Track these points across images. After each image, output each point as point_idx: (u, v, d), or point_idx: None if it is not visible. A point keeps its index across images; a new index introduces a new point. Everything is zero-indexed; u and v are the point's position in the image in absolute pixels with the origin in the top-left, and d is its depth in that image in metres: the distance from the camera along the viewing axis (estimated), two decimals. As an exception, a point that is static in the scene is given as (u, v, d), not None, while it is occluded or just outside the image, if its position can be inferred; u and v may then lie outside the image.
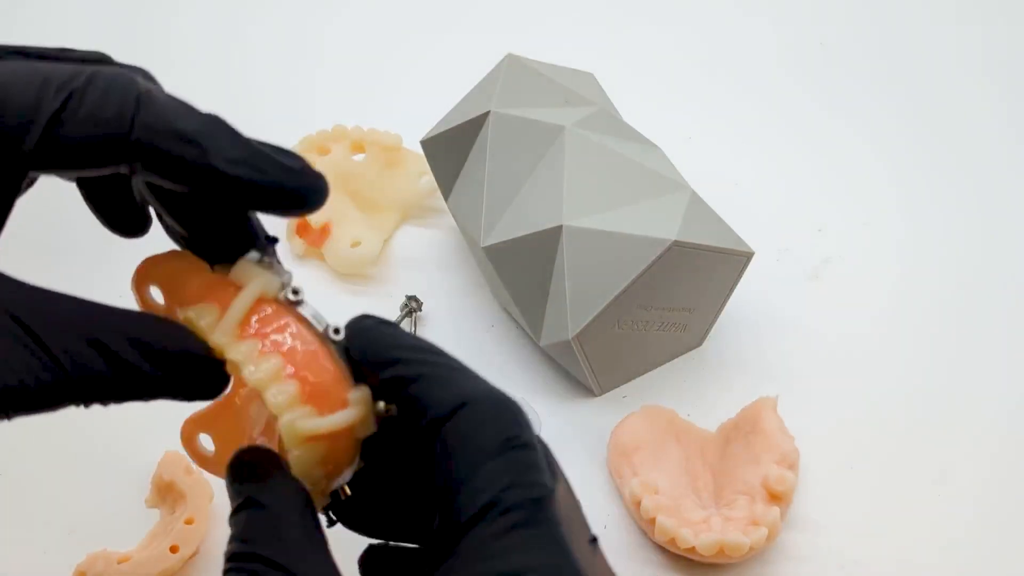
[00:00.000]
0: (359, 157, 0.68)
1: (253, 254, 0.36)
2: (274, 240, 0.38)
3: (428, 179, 0.66)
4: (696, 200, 0.56)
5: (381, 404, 0.36)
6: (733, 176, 0.71)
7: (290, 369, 0.35)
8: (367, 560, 0.39)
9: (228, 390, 0.36)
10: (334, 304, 0.62)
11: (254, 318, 0.35)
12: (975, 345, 0.63)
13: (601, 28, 0.82)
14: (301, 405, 0.34)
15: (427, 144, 0.63)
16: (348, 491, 0.38)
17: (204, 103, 0.76)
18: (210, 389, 0.35)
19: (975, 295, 0.65)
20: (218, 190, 0.34)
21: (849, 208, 0.70)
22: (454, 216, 0.62)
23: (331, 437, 0.35)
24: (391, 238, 0.67)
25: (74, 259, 0.64)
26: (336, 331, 0.36)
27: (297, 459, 0.35)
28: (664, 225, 0.54)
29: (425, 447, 0.34)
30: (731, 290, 0.59)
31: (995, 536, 0.55)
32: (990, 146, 0.74)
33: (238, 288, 0.36)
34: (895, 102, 0.77)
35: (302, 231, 0.64)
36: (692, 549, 0.51)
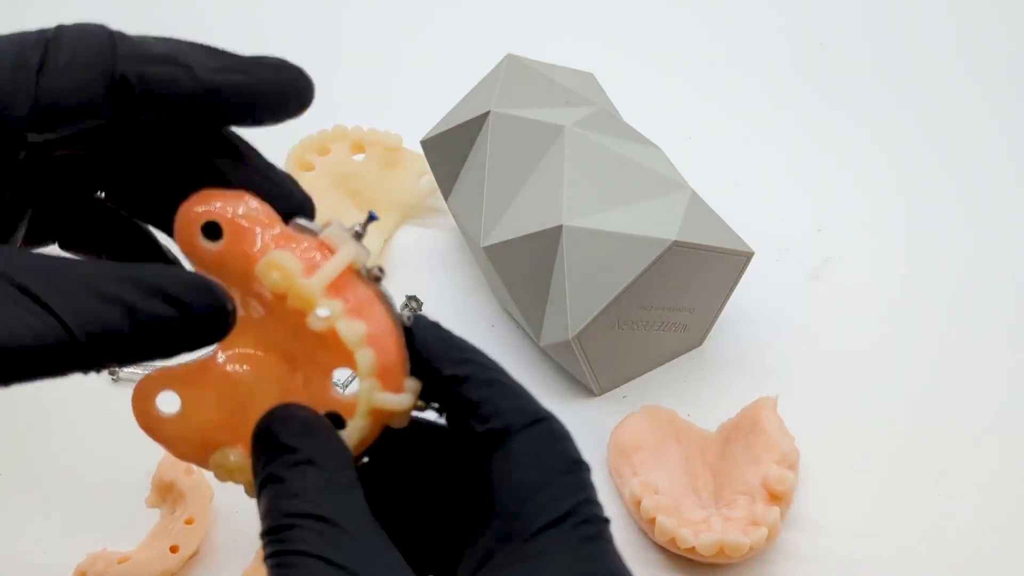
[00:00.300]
0: (359, 157, 0.68)
1: (341, 222, 0.36)
2: (373, 217, 0.38)
3: (428, 179, 0.66)
4: (696, 200, 0.56)
5: (420, 401, 0.36)
6: (733, 176, 0.71)
7: (370, 338, 0.34)
8: None
9: (208, 351, 0.35)
10: (334, 304, 0.63)
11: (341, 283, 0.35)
12: (975, 345, 0.63)
13: (601, 28, 0.82)
14: (374, 377, 0.34)
15: (427, 144, 0.63)
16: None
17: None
18: (217, 337, 0.33)
19: (975, 295, 0.65)
20: (211, 108, 0.34)
21: (849, 208, 0.70)
22: (454, 216, 0.62)
23: (382, 416, 0.35)
24: (391, 238, 0.67)
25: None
26: (409, 317, 0.36)
27: (356, 429, 0.34)
28: (664, 225, 0.54)
29: (474, 454, 0.34)
30: (731, 290, 0.59)
31: (995, 536, 0.54)
32: (991, 146, 0.74)
33: (327, 249, 0.36)
34: (895, 101, 0.77)
35: (302, 231, 0.64)
36: (692, 549, 0.51)
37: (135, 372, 0.58)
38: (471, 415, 0.34)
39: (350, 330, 0.34)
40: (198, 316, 0.32)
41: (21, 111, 0.32)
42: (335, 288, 0.35)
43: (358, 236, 0.36)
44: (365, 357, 0.34)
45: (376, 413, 0.34)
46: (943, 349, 0.62)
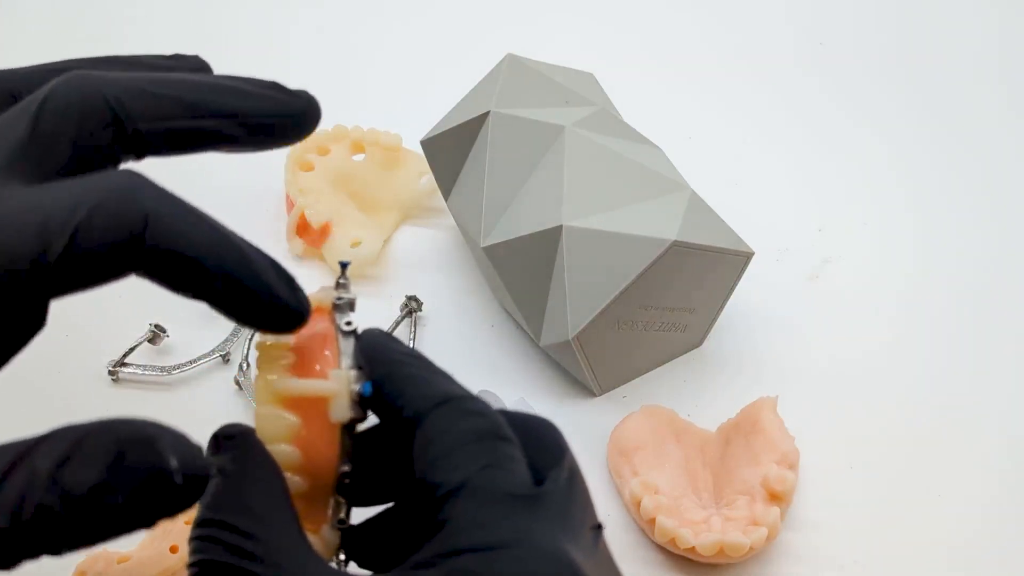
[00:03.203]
0: (359, 157, 0.68)
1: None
2: (344, 265, 0.40)
3: (428, 179, 0.66)
4: (696, 200, 0.56)
5: (356, 387, 0.36)
6: (733, 176, 0.71)
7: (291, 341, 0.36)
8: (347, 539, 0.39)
9: None
10: (334, 304, 0.63)
11: (304, 405, 0.37)
12: (975, 345, 0.63)
13: (601, 28, 0.82)
14: (284, 370, 0.36)
15: (427, 144, 0.63)
16: (348, 519, 0.37)
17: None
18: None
19: (975, 295, 0.65)
20: (209, 300, 0.34)
21: (849, 208, 0.70)
22: (454, 216, 0.62)
23: (303, 405, 0.36)
24: (391, 238, 0.67)
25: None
26: (348, 323, 0.38)
27: (264, 417, 0.35)
28: (664, 225, 0.54)
29: (405, 448, 0.35)
30: (731, 290, 0.59)
31: (995, 536, 0.55)
32: (990, 146, 0.74)
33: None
34: (895, 102, 0.77)
35: (302, 231, 0.64)
36: (692, 549, 0.51)
37: (135, 372, 0.58)
38: (392, 411, 0.35)
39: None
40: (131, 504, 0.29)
41: (38, 286, 0.32)
42: (294, 404, 0.36)
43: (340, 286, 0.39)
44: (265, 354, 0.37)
45: (287, 402, 0.36)
46: (943, 349, 0.63)
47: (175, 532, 0.51)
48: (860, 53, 0.80)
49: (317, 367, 0.36)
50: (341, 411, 0.36)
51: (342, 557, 0.37)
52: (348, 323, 0.38)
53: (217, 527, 0.32)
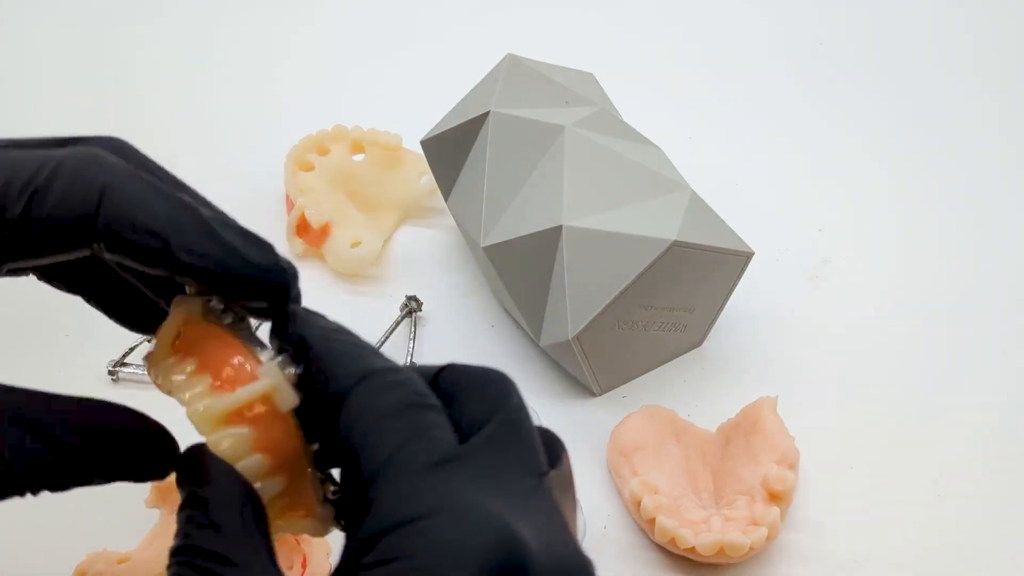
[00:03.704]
0: (359, 157, 0.68)
1: (281, 359, 0.36)
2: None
3: (428, 179, 0.66)
4: (696, 200, 0.56)
5: (292, 369, 0.35)
6: (733, 176, 0.71)
7: (193, 365, 0.35)
8: None
9: None
10: (334, 304, 0.62)
11: (247, 412, 0.35)
12: (974, 344, 0.63)
13: (601, 28, 0.82)
14: (209, 394, 0.35)
15: (427, 144, 0.63)
16: (337, 487, 0.37)
17: (204, 103, 0.77)
18: (154, 467, 0.36)
19: (974, 294, 0.65)
20: (176, 272, 0.35)
21: (849, 208, 0.70)
22: (454, 216, 0.62)
23: (247, 414, 0.35)
24: (391, 238, 0.67)
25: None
26: (239, 319, 0.36)
27: (217, 444, 0.34)
28: (664, 225, 0.54)
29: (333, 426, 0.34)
30: (731, 290, 0.59)
31: (994, 535, 0.55)
32: (991, 146, 0.74)
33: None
34: (895, 102, 0.77)
35: (302, 231, 0.64)
36: (692, 549, 0.51)
37: (135, 372, 0.58)
38: (317, 388, 0.34)
39: (164, 386, 0.35)
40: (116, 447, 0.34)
41: None
42: (173, 349, 0.36)
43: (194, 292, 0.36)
44: (183, 389, 0.35)
45: (233, 419, 0.35)
46: (942, 349, 0.63)
47: (175, 532, 0.51)
48: (860, 53, 0.80)
49: (233, 372, 0.35)
50: (287, 399, 0.35)
51: (343, 524, 0.36)
52: (239, 319, 0.36)
53: (193, 553, 0.32)
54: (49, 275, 0.39)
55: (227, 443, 0.34)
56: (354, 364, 0.34)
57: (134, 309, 0.40)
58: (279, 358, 0.35)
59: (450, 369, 0.35)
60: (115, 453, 0.35)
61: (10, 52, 0.77)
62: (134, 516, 0.54)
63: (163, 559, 0.50)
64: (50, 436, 0.34)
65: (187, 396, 0.35)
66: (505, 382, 0.35)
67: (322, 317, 0.36)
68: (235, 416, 0.34)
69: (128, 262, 0.34)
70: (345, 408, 0.33)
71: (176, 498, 0.53)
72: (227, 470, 0.34)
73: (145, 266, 0.34)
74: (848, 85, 0.78)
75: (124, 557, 0.51)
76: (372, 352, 0.35)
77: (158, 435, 0.36)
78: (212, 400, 0.34)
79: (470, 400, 0.34)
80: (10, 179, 0.33)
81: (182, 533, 0.33)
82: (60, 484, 0.35)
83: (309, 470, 0.36)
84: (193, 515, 0.33)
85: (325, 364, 0.34)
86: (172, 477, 0.53)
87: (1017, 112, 0.76)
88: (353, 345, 0.35)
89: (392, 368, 0.34)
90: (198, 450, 0.35)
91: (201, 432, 0.34)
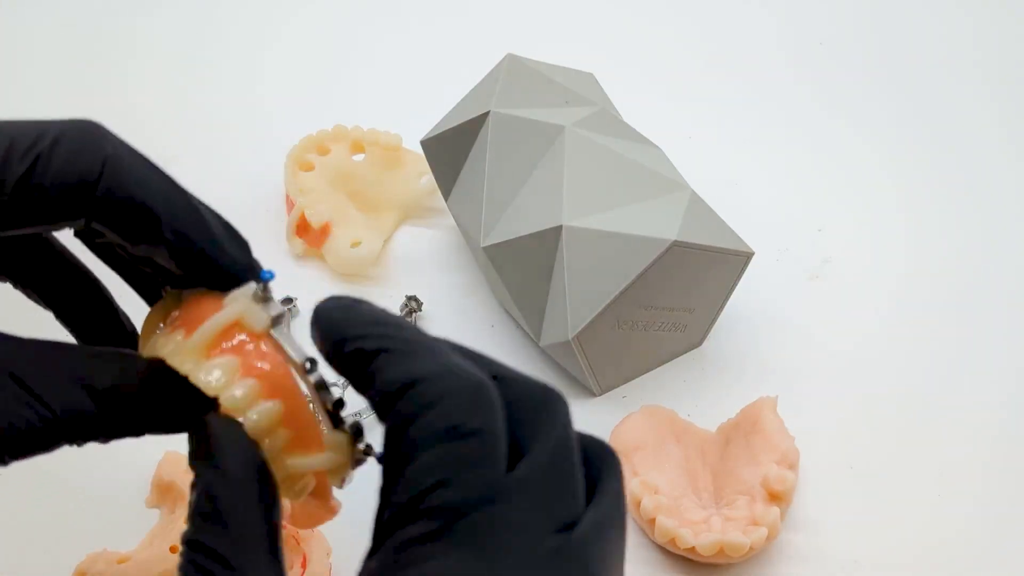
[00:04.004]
0: (359, 157, 0.68)
1: (252, 285, 0.36)
2: (268, 278, 0.36)
3: (428, 179, 0.66)
4: (696, 200, 0.56)
5: (255, 287, 0.35)
6: (733, 176, 0.71)
7: (248, 373, 0.34)
8: None
9: None
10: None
11: (226, 343, 0.35)
12: (975, 344, 0.63)
13: (601, 28, 0.82)
14: (278, 433, 0.34)
15: (427, 144, 0.63)
16: (342, 404, 0.36)
17: (204, 103, 0.77)
18: (187, 420, 0.35)
19: (975, 294, 0.65)
20: (159, 251, 0.35)
21: (849, 208, 0.70)
22: (454, 216, 0.62)
23: (227, 344, 0.35)
24: (391, 238, 0.67)
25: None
26: (311, 361, 0.35)
27: (209, 376, 0.34)
28: (664, 225, 0.54)
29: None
30: (731, 290, 0.59)
31: (994, 535, 0.55)
32: (990, 146, 0.74)
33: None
34: (895, 102, 0.77)
35: (302, 231, 0.64)
36: (692, 549, 0.51)
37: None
38: (369, 387, 0.32)
39: (228, 399, 0.34)
40: (170, 409, 0.35)
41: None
42: (215, 349, 0.35)
43: (260, 298, 0.35)
44: (252, 419, 0.34)
45: (297, 476, 0.35)
46: (943, 349, 0.62)
47: (175, 532, 0.51)
48: (860, 53, 0.80)
49: (205, 315, 0.35)
50: (259, 319, 0.35)
51: (365, 444, 0.35)
52: (312, 360, 0.35)
53: (199, 550, 0.32)
54: (25, 282, 0.39)
55: (216, 373, 0.34)
56: (402, 365, 0.31)
57: (101, 325, 0.40)
58: (244, 287, 0.35)
59: (504, 383, 0.32)
60: (154, 400, 0.35)
61: (7, 52, 0.77)
62: (134, 516, 0.54)
63: (163, 559, 0.50)
64: (96, 390, 0.34)
65: (169, 348, 0.35)
66: (552, 409, 0.32)
67: (378, 309, 0.33)
68: (216, 348, 0.34)
69: (113, 235, 0.35)
70: (390, 424, 0.31)
71: (175, 498, 0.53)
72: (236, 442, 0.33)
73: (130, 242, 0.35)
74: (848, 85, 0.78)
75: (124, 557, 0.51)
76: (430, 349, 0.32)
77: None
78: (190, 339, 0.34)
79: (519, 416, 0.31)
80: (13, 143, 0.33)
81: (192, 519, 0.32)
82: (103, 433, 0.34)
83: (306, 392, 0.35)
84: (202, 500, 0.32)
85: (376, 367, 0.32)
86: (169, 477, 0.53)
87: (1018, 111, 0.76)
88: (409, 341, 0.32)
89: (446, 374, 0.31)
90: (207, 422, 0.34)
91: (192, 375, 0.34)
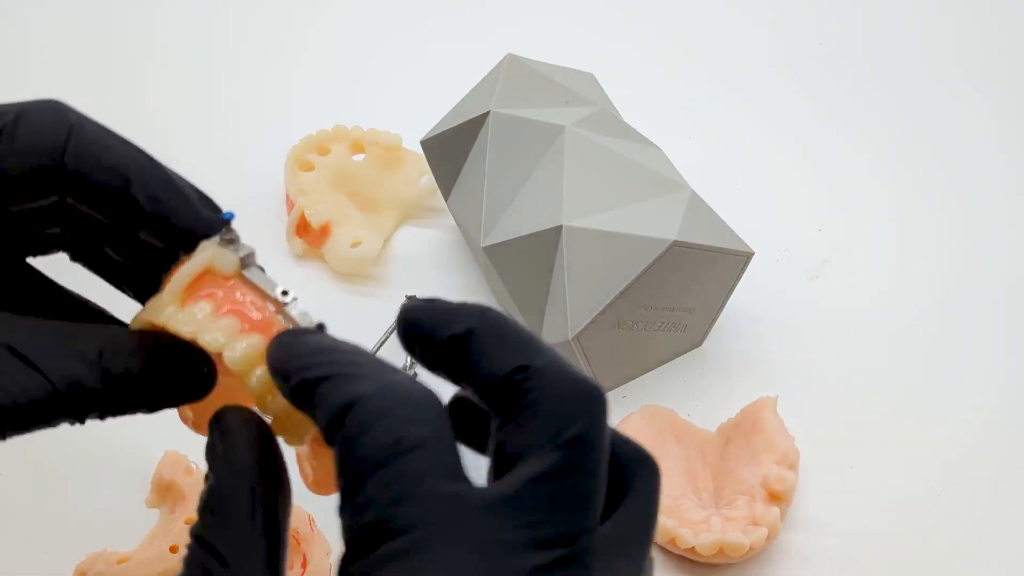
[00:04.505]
0: (359, 157, 0.68)
1: (215, 238, 0.36)
2: (228, 217, 0.36)
3: (428, 179, 0.66)
4: (696, 200, 0.56)
5: (220, 236, 0.35)
6: (733, 176, 0.71)
7: (227, 312, 0.34)
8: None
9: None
10: (334, 304, 0.63)
11: (201, 292, 0.35)
12: (975, 344, 0.63)
13: (601, 28, 0.82)
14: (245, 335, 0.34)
15: (427, 144, 0.63)
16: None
17: (204, 103, 0.76)
18: (196, 388, 0.35)
19: (975, 294, 0.65)
20: (133, 220, 0.35)
21: (849, 208, 0.70)
22: (454, 216, 0.62)
23: (202, 292, 0.34)
24: (391, 238, 0.67)
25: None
26: (284, 293, 0.35)
27: (189, 323, 0.34)
28: (664, 225, 0.54)
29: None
30: (731, 290, 0.59)
31: (994, 535, 0.55)
32: (990, 146, 0.74)
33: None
34: (896, 102, 0.77)
35: (302, 231, 0.64)
36: (692, 549, 0.51)
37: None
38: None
39: (207, 341, 0.34)
40: (168, 374, 0.34)
41: None
42: (193, 297, 0.35)
43: (226, 243, 0.35)
44: (234, 357, 0.34)
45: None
46: (943, 349, 0.62)
47: (175, 532, 0.51)
48: (860, 53, 0.80)
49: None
50: (228, 261, 0.35)
51: None
52: (285, 292, 0.35)
53: (203, 546, 0.31)
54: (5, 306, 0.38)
55: (192, 317, 0.34)
56: (342, 390, 0.30)
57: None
58: (211, 239, 0.35)
59: (532, 373, 0.30)
60: (166, 373, 0.34)
61: (10, 49, 0.77)
62: (134, 516, 0.54)
63: (163, 559, 0.50)
64: (97, 364, 0.33)
65: (148, 308, 0.35)
66: (585, 404, 0.30)
67: (327, 338, 0.33)
68: (190, 297, 0.34)
69: (87, 208, 0.35)
70: (336, 451, 0.30)
71: (175, 498, 0.53)
72: (248, 437, 0.33)
73: (104, 214, 0.35)
74: (848, 85, 0.78)
75: (124, 557, 0.51)
76: (373, 370, 0.31)
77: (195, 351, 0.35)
78: (163, 293, 0.34)
79: (539, 416, 0.30)
80: None
81: (199, 513, 0.32)
82: (106, 408, 0.34)
83: (285, 323, 0.35)
84: (209, 495, 0.32)
85: (318, 394, 0.31)
86: (169, 477, 0.53)
87: (1016, 112, 0.76)
88: (352, 365, 0.31)
89: (383, 391, 0.30)
90: (223, 414, 0.34)
91: (168, 323, 0.34)
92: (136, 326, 0.36)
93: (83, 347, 0.33)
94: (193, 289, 0.35)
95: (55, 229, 0.37)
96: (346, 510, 0.29)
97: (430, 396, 0.30)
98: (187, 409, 0.38)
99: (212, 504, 0.32)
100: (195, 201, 0.36)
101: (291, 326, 0.34)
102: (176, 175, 0.36)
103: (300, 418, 0.33)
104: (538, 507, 0.28)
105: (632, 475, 0.31)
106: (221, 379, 0.36)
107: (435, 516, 0.28)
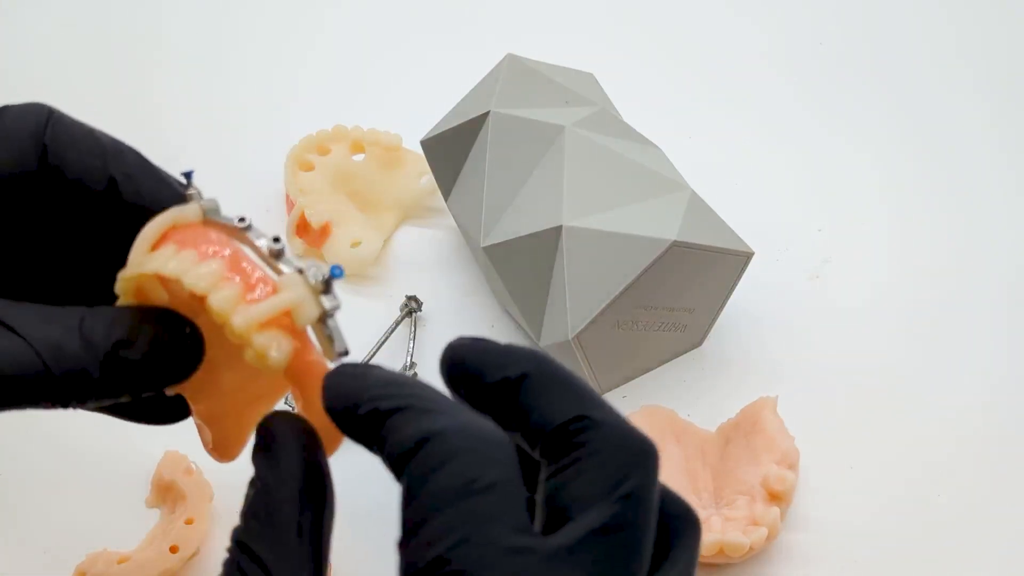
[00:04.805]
0: (359, 157, 0.68)
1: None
2: (188, 174, 0.36)
3: (428, 179, 0.66)
4: (696, 200, 0.56)
5: (313, 280, 0.34)
6: (733, 176, 0.71)
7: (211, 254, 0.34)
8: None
9: None
10: (334, 304, 0.63)
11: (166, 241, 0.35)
12: (975, 344, 0.63)
13: (601, 28, 0.82)
14: (224, 280, 0.34)
15: (427, 144, 0.63)
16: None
17: (204, 103, 0.77)
18: (182, 357, 0.34)
19: (975, 294, 0.65)
20: (109, 205, 0.35)
21: (849, 208, 0.70)
22: (454, 216, 0.62)
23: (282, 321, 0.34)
24: (391, 238, 0.67)
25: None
26: (241, 219, 0.35)
27: (265, 347, 0.33)
28: (664, 225, 0.54)
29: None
30: (731, 290, 0.59)
31: (994, 535, 0.55)
32: (991, 146, 0.74)
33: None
34: (896, 102, 0.77)
35: (302, 231, 0.64)
36: (692, 549, 0.51)
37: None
38: (383, 447, 0.31)
39: (169, 270, 0.34)
40: (156, 342, 0.33)
41: None
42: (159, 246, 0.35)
43: (191, 196, 0.36)
44: (194, 282, 0.33)
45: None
46: (943, 349, 0.62)
47: (175, 532, 0.51)
48: (860, 53, 0.80)
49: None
50: (190, 211, 0.35)
51: (319, 279, 0.34)
52: (242, 218, 0.36)
53: (244, 551, 0.31)
54: None
55: (155, 258, 0.34)
56: (416, 423, 0.30)
57: None
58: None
59: (590, 424, 0.31)
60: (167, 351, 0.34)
61: (10, 49, 0.77)
62: (134, 516, 0.54)
63: (163, 559, 0.50)
64: (92, 342, 0.33)
65: (137, 262, 0.34)
66: (641, 459, 0.30)
67: (389, 372, 0.33)
68: (156, 247, 0.34)
69: (69, 200, 0.35)
70: (404, 483, 0.30)
71: (175, 498, 0.53)
72: (296, 444, 0.32)
73: (83, 199, 0.35)
74: (848, 85, 0.78)
75: (124, 557, 0.51)
76: (445, 407, 0.31)
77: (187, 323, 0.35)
78: (131, 252, 0.34)
79: (597, 468, 0.30)
80: None
81: (243, 517, 0.32)
82: (92, 386, 0.33)
83: (252, 255, 0.35)
84: (256, 500, 0.32)
85: (389, 427, 0.31)
86: (169, 477, 0.53)
87: (1016, 112, 0.76)
88: (425, 399, 0.31)
89: (462, 430, 0.30)
90: (271, 420, 0.33)
91: (133, 269, 0.34)
92: (120, 287, 0.35)
93: (66, 317, 0.33)
94: (158, 242, 0.35)
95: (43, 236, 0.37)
96: (408, 545, 0.29)
97: (504, 439, 0.30)
98: (205, 430, 0.38)
99: (258, 510, 0.31)
100: (172, 182, 0.36)
101: (259, 247, 0.35)
102: (153, 163, 0.37)
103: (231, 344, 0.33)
104: (597, 560, 0.28)
105: (676, 531, 0.31)
106: (221, 378, 0.36)
107: (497, 562, 0.28)
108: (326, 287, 0.34)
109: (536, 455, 0.31)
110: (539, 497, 0.31)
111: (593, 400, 0.31)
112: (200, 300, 0.33)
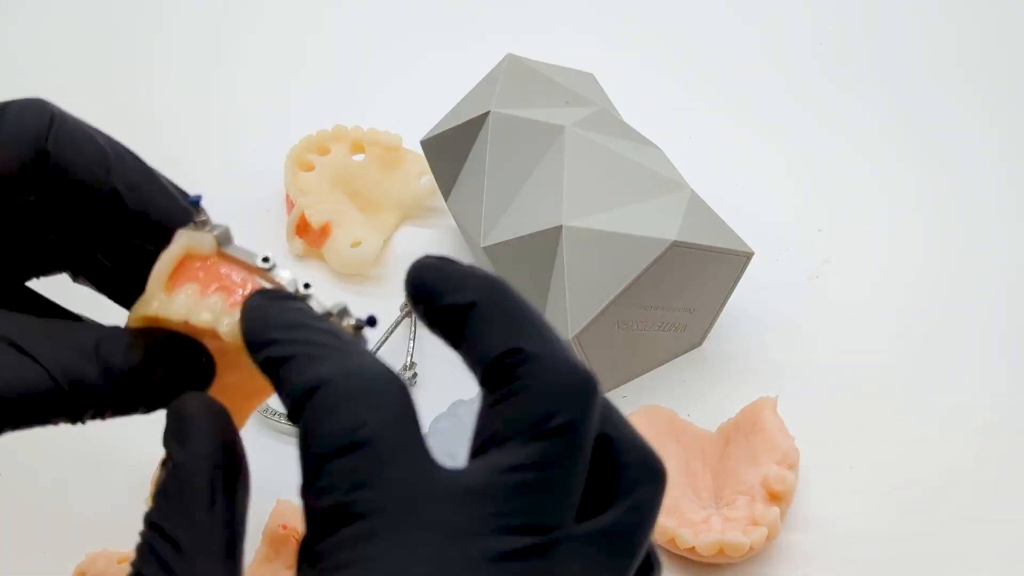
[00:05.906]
0: (359, 157, 0.68)
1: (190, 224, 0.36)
2: (196, 200, 0.36)
3: (428, 179, 0.66)
4: (696, 200, 0.56)
5: (346, 322, 0.34)
6: (733, 176, 0.71)
7: (214, 291, 0.34)
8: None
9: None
10: (334, 304, 0.63)
11: (184, 277, 0.35)
12: (975, 344, 0.63)
13: (601, 28, 0.82)
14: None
15: (427, 144, 0.63)
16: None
17: (204, 103, 0.77)
18: (194, 379, 0.35)
19: (975, 294, 0.65)
20: (111, 211, 0.35)
21: (849, 208, 0.70)
22: (454, 216, 0.62)
23: (186, 275, 0.34)
24: (391, 238, 0.67)
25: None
26: (265, 259, 0.35)
27: (177, 303, 0.34)
28: (664, 225, 0.54)
29: None
30: (731, 290, 0.59)
31: (994, 535, 0.55)
32: (990, 147, 0.74)
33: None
34: (896, 102, 0.77)
35: (302, 231, 0.64)
36: (692, 549, 0.51)
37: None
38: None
39: (199, 321, 0.34)
40: (165, 365, 0.34)
41: None
42: (174, 283, 0.35)
43: (202, 223, 0.36)
44: (225, 331, 0.33)
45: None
46: (943, 349, 0.62)
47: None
48: (860, 54, 0.80)
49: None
50: (204, 241, 0.35)
51: (353, 321, 0.34)
52: (266, 259, 0.35)
53: (154, 529, 0.31)
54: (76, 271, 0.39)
55: (180, 302, 0.34)
56: (308, 371, 0.30)
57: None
58: (186, 230, 0.35)
59: (525, 357, 0.29)
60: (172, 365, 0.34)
61: (10, 49, 0.77)
62: (134, 516, 0.53)
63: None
64: (101, 359, 0.33)
65: (153, 305, 0.35)
66: (573, 396, 0.29)
67: (305, 311, 0.33)
68: (175, 284, 0.34)
69: (69, 200, 0.35)
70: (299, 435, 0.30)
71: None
72: (207, 424, 0.32)
73: (85, 205, 0.35)
74: (848, 85, 0.78)
75: (124, 557, 0.51)
76: (341, 351, 0.31)
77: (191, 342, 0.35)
78: (147, 287, 0.35)
79: (522, 403, 0.29)
80: None
81: (154, 498, 0.32)
82: (105, 404, 0.33)
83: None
84: (167, 480, 0.32)
85: (284, 375, 0.31)
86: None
87: (1017, 112, 0.76)
88: (320, 345, 0.31)
89: (349, 375, 0.30)
90: (183, 401, 0.33)
91: (159, 312, 0.34)
92: (131, 325, 0.36)
93: (80, 340, 0.33)
94: (177, 276, 0.35)
95: (48, 235, 0.37)
96: (308, 493, 0.29)
97: (393, 380, 0.30)
98: None
99: (168, 489, 0.31)
100: (174, 191, 0.36)
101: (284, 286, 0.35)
102: (155, 169, 0.36)
103: None
104: (507, 497, 0.28)
105: (634, 481, 0.30)
106: (222, 377, 0.36)
107: (395, 501, 0.28)
108: (356, 333, 0.34)
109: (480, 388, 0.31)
110: (474, 431, 0.30)
111: (535, 332, 0.30)
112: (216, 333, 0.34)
